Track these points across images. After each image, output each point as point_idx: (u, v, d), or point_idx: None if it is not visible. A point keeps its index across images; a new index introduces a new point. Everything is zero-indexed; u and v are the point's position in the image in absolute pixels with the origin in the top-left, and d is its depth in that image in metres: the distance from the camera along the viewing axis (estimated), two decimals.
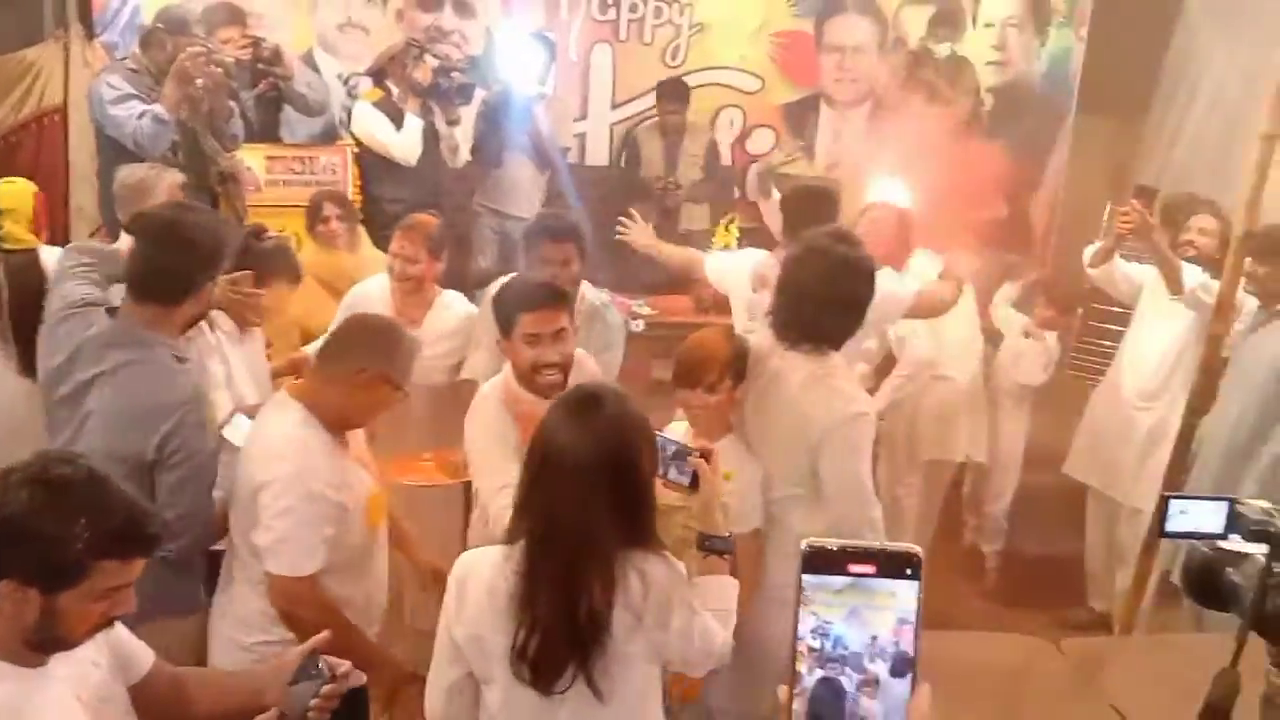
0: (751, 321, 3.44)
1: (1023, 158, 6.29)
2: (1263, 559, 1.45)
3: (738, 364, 2.60)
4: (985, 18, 6.34)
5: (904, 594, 0.96)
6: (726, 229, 5.27)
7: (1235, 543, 1.51)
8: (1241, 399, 3.64)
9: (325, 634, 1.84)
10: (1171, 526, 1.49)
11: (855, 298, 2.60)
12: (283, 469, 2.26)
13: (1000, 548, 4.72)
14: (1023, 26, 6.41)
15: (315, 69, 5.64)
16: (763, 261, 3.58)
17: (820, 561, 0.96)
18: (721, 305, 4.95)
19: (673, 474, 2.13)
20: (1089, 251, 4.10)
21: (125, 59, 4.33)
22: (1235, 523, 1.48)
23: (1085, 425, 4.28)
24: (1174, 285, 3.75)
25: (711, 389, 2.57)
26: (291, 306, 3.32)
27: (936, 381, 4.21)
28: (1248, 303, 3.66)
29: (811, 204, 3.57)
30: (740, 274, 3.67)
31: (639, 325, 4.94)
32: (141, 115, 3.94)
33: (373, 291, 3.53)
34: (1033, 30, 6.44)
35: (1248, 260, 3.50)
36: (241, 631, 2.38)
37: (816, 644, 0.95)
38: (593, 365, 2.86)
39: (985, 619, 4.37)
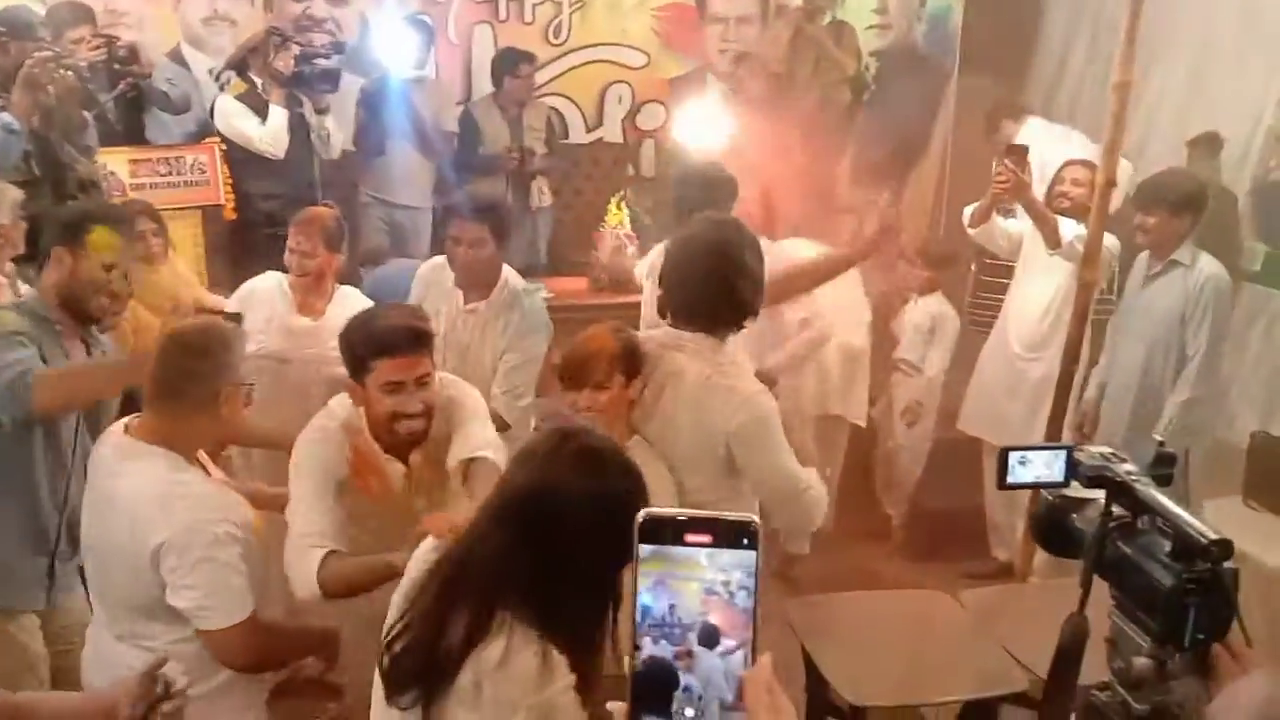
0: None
1: (910, 119, 6.39)
2: (1102, 503, 1.46)
3: (627, 358, 2.46)
4: None
5: (716, 563, 0.93)
6: (619, 207, 5.22)
7: (1078, 489, 1.52)
8: (1144, 351, 3.74)
9: (163, 657, 1.78)
10: (1012, 478, 1.49)
11: (754, 268, 2.50)
12: (179, 522, 2.08)
13: (905, 510, 4.80)
14: None
15: (184, 65, 5.45)
16: (657, 253, 3.52)
17: (655, 531, 0.93)
18: (619, 285, 4.93)
19: None
20: (968, 211, 4.17)
21: None
22: (1074, 470, 1.49)
23: (976, 380, 4.37)
24: (1051, 240, 3.82)
25: (600, 387, 2.43)
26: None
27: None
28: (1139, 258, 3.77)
29: (705, 189, 3.50)
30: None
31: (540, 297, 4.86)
32: None
33: (267, 285, 3.47)
34: None
35: (1137, 214, 3.59)
36: None
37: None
38: (472, 397, 2.55)
39: (895, 577, 4.45)
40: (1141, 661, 1.37)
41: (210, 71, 5.37)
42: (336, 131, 4.98)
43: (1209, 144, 5.28)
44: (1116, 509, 1.45)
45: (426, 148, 5.33)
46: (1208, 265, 3.70)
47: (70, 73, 3.76)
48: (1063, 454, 1.49)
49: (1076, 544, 1.52)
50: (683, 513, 0.95)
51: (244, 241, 4.59)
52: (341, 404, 2.46)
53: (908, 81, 6.42)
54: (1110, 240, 3.67)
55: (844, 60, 6.11)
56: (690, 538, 0.93)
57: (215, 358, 2.21)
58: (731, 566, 0.94)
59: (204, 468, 2.29)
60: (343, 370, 3.26)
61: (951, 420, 4.50)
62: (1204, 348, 3.64)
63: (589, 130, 6.17)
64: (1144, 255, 3.84)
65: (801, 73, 6.10)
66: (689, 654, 0.94)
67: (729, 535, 0.94)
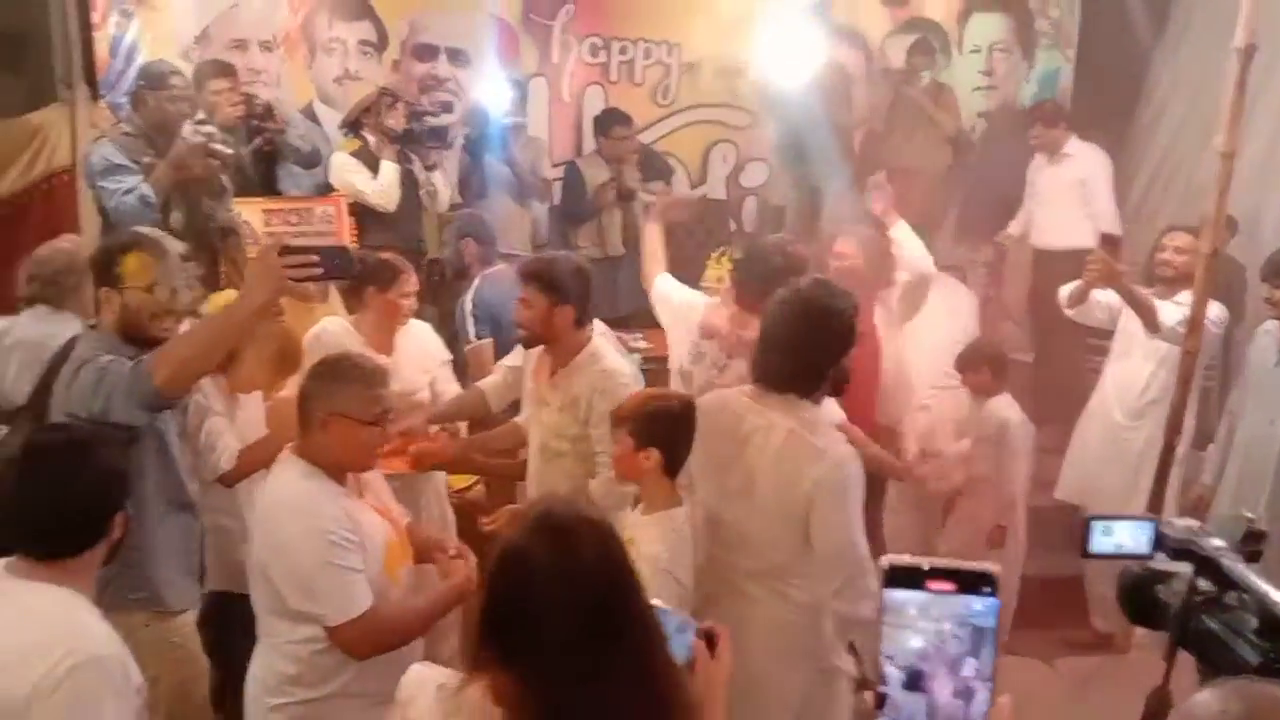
0: (692, 365, 3.52)
1: (1016, 180, 6.36)
2: (1189, 577, 1.48)
3: (638, 422, 2.59)
4: (972, 43, 6.44)
5: (928, 613, 0.98)
6: (719, 261, 5.30)
7: (1164, 561, 1.55)
8: None
9: None
10: (1095, 548, 1.52)
11: (831, 348, 2.57)
12: (298, 526, 2.26)
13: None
14: (1010, 50, 6.50)
15: (316, 120, 5.78)
16: (713, 311, 3.60)
17: (901, 577, 0.99)
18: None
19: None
20: (1064, 293, 4.14)
21: (121, 123, 4.45)
22: (1160, 542, 1.51)
23: (1074, 448, 4.29)
24: (1150, 325, 3.75)
25: (614, 437, 2.66)
26: None
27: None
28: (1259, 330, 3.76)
29: (769, 274, 3.41)
30: (688, 314, 3.68)
31: (635, 360, 4.97)
32: (129, 192, 4.02)
33: (333, 328, 3.59)
34: (1020, 53, 6.52)
35: (1265, 287, 3.54)
36: (265, 693, 2.37)
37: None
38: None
39: None
40: None
41: (339, 128, 5.69)
42: (444, 187, 5.22)
43: None
44: (1203, 583, 1.47)
45: (524, 193, 5.55)
46: None
47: (216, 160, 4.06)
48: (1149, 525, 1.52)
49: (1161, 615, 1.54)
50: (928, 561, 1.00)
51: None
52: None
53: (1014, 142, 6.40)
54: (1216, 310, 3.61)
55: (944, 120, 6.12)
56: (932, 585, 0.99)
57: (321, 382, 2.37)
58: (943, 616, 0.99)
59: (356, 486, 2.43)
60: (423, 396, 3.56)
61: (1048, 487, 4.42)
62: None
63: (693, 187, 6.32)
64: (1271, 328, 3.75)
65: (900, 132, 6.14)
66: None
67: (970, 582, 0.99)
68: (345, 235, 4.75)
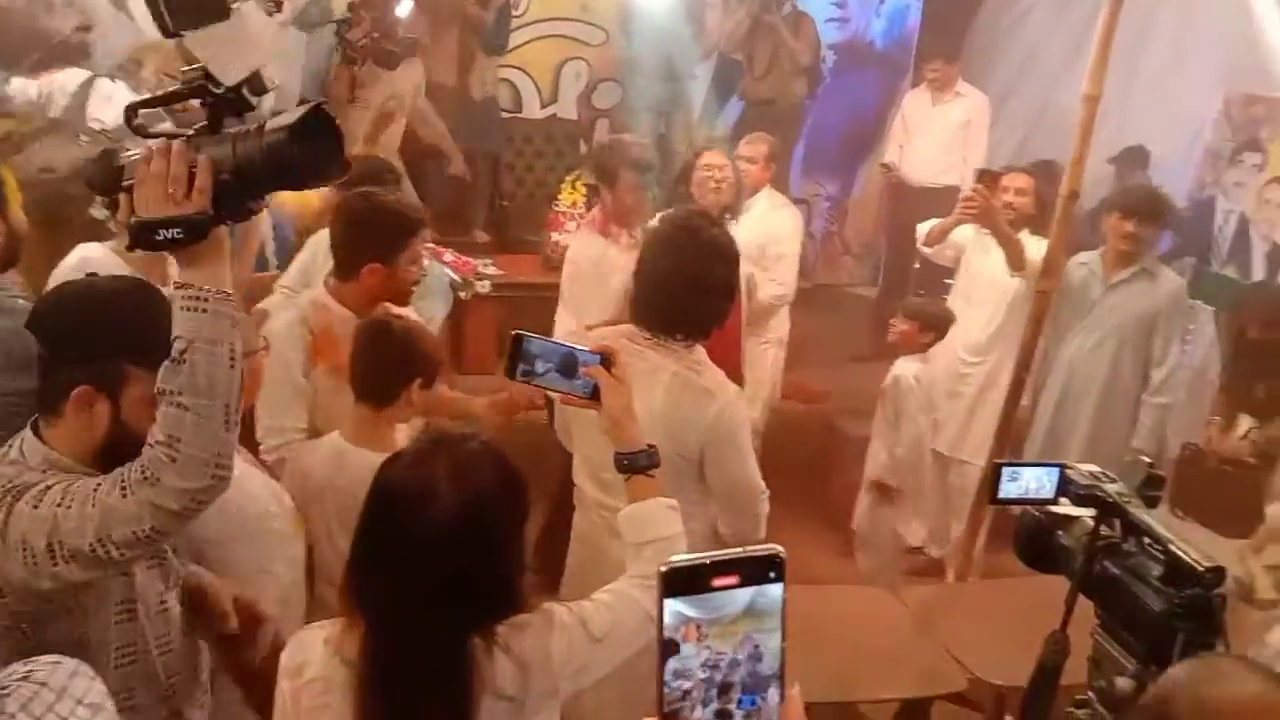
0: None
1: (863, 114, 6.43)
2: (1091, 522, 1.47)
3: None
4: None
5: (753, 609, 0.86)
6: (574, 186, 5.17)
7: (1065, 506, 1.53)
8: (1108, 357, 3.84)
9: None
10: (1004, 493, 1.49)
11: (726, 282, 2.43)
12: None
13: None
14: None
15: None
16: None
17: (684, 581, 0.85)
18: None
19: (564, 384, 1.73)
20: (923, 229, 4.16)
21: None
22: (1065, 487, 1.50)
23: None
24: (1017, 263, 3.76)
25: None
26: None
27: None
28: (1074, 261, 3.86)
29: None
30: None
31: (485, 286, 4.80)
32: None
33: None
34: None
35: (1132, 222, 3.67)
36: None
37: (705, 675, 0.85)
38: None
39: (825, 569, 4.46)
40: (1124, 682, 1.38)
41: None
42: None
43: (1136, 158, 5.40)
44: (1103, 529, 1.47)
45: None
46: (1172, 276, 3.87)
47: None
48: (1055, 471, 1.49)
49: (1059, 561, 1.53)
50: (706, 557, 0.87)
51: None
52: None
53: (863, 76, 6.45)
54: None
55: (801, 50, 6.08)
56: (717, 581, 0.86)
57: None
58: (765, 610, 0.86)
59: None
60: None
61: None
62: (1173, 356, 3.81)
63: (544, 106, 6.08)
64: (1091, 261, 3.90)
65: (757, 61, 6.07)
66: (729, 714, 0.87)
67: (756, 570, 0.87)
68: None
